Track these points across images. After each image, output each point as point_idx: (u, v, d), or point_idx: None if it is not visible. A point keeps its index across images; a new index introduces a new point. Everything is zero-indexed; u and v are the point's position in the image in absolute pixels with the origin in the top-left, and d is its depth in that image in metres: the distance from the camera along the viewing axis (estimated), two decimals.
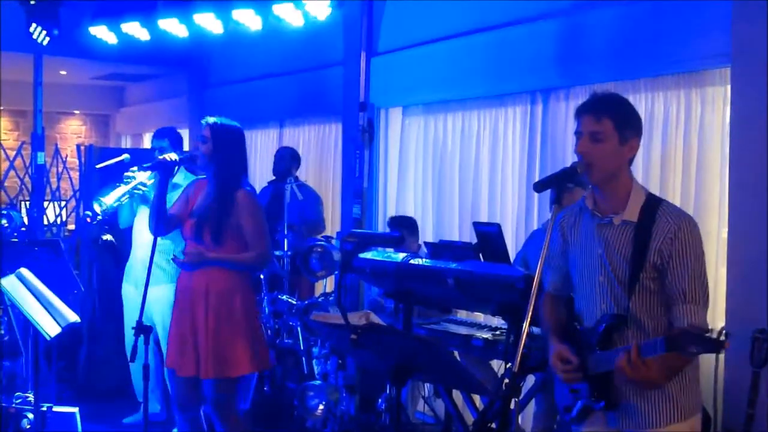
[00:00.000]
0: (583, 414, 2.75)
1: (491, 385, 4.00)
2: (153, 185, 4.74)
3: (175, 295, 4.07)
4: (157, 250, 3.92)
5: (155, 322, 4.92)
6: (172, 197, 4.27)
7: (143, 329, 3.60)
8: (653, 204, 2.61)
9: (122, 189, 4.77)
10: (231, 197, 3.91)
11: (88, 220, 4.71)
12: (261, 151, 8.43)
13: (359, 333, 2.39)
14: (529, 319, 2.45)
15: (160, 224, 3.89)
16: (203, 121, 4.01)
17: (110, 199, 4.67)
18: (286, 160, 6.42)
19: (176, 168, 3.97)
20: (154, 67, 9.74)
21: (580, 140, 2.64)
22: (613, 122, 2.58)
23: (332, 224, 6.84)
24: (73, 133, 13.10)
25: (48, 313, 3.78)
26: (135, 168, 4.84)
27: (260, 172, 8.07)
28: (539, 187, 2.65)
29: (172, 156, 3.95)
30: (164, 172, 3.89)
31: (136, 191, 4.86)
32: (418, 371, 2.54)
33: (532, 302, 2.46)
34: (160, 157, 3.99)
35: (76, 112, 13.13)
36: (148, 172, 4.69)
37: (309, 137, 7.69)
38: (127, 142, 12.51)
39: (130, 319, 5.05)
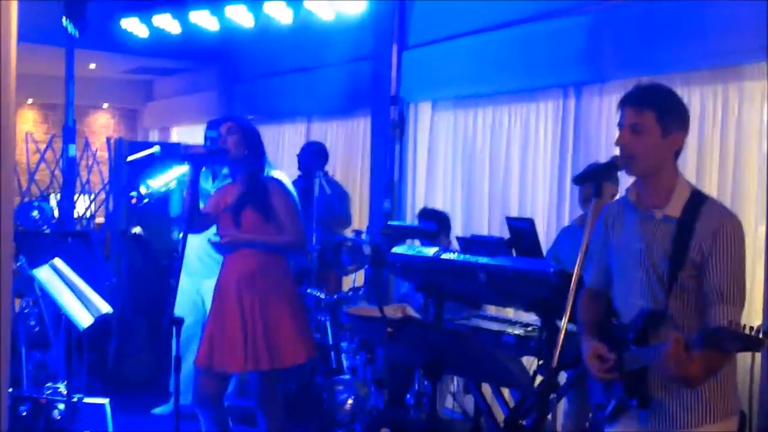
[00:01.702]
0: (616, 412, 2.70)
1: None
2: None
3: (216, 290, 4.05)
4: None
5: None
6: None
7: (175, 321, 3.59)
8: (698, 201, 2.55)
9: (170, 174, 4.77)
10: (264, 183, 3.97)
11: (133, 201, 4.69)
12: (288, 146, 8.42)
13: (395, 326, 2.37)
14: (567, 316, 2.41)
15: (193, 220, 3.89)
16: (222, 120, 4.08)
17: (157, 183, 4.67)
18: (310, 155, 6.41)
19: (208, 160, 3.97)
20: (184, 61, 9.77)
21: (620, 132, 2.59)
22: (656, 114, 2.52)
23: (360, 219, 6.82)
24: (101, 126, 13.19)
25: (81, 304, 3.79)
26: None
27: (287, 167, 8.06)
28: (579, 180, 2.60)
29: (200, 149, 3.96)
30: (196, 164, 3.89)
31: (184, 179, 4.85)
32: (453, 365, 2.51)
33: (571, 299, 2.42)
34: (190, 150, 4.00)
35: (105, 106, 13.22)
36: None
37: (337, 132, 7.68)
38: (155, 137, 12.56)
39: (181, 311, 5.00)
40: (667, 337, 2.52)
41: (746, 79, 4.08)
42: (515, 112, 5.51)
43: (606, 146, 4.66)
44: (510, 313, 4.66)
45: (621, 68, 4.58)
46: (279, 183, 4.03)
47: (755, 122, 4.04)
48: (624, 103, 2.60)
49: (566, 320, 2.42)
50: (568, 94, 5.06)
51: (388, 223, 3.18)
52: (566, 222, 4.91)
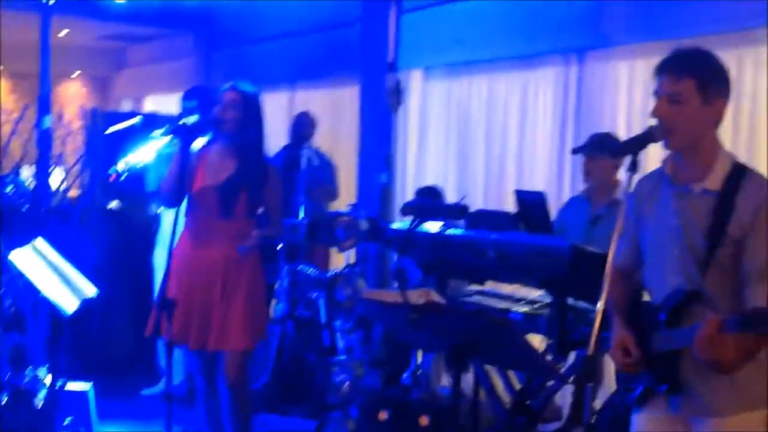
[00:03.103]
0: (644, 397, 2.55)
1: None
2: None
3: (178, 266, 3.78)
4: None
5: None
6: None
7: (167, 304, 3.37)
8: (739, 173, 2.38)
9: (150, 147, 4.53)
10: (265, 170, 3.81)
11: (112, 178, 4.48)
12: (270, 116, 8.13)
13: (419, 313, 2.18)
14: (605, 298, 2.23)
15: (181, 195, 3.68)
16: (227, 86, 3.80)
17: (136, 157, 4.44)
18: (306, 126, 6.23)
19: (200, 132, 3.74)
20: (161, 27, 9.43)
21: (657, 102, 2.40)
22: (696, 82, 2.35)
23: (347, 192, 6.61)
24: (72, 96, 12.83)
25: (65, 288, 3.57)
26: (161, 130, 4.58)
27: (268, 139, 7.80)
28: (617, 152, 2.43)
29: (193, 119, 3.74)
30: (186, 137, 3.66)
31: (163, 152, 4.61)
32: (482, 353, 2.33)
33: (608, 280, 2.24)
34: (181, 121, 3.75)
35: (76, 74, 12.84)
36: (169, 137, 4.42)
37: (323, 101, 7.43)
38: (128, 106, 12.21)
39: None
40: (702, 318, 2.37)
41: (760, 44, 3.93)
42: (513, 80, 5.34)
43: (610, 116, 4.50)
44: (509, 288, 4.52)
45: (628, 32, 4.41)
46: (277, 170, 3.92)
47: None
48: (661, 70, 2.41)
49: (602, 305, 2.24)
50: (569, 60, 4.88)
51: (412, 201, 3.01)
52: (567, 195, 4.76)
